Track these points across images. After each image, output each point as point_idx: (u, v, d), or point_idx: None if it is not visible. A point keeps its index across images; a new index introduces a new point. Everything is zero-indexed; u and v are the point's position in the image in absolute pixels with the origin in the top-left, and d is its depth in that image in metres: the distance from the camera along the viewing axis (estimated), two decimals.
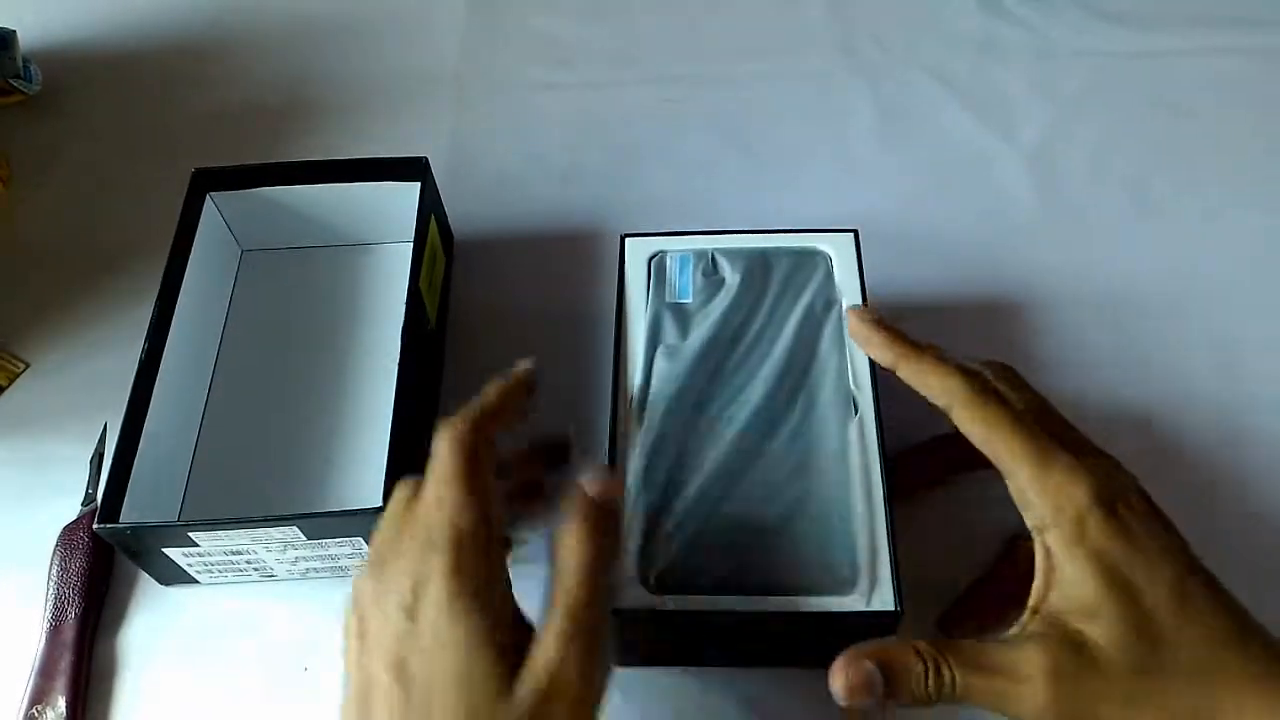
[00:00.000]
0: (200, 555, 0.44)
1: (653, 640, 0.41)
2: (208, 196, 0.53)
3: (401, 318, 0.46)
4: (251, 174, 0.53)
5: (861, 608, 0.37)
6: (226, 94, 0.66)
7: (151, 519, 0.44)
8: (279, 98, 0.66)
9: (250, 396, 0.52)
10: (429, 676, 0.31)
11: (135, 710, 0.44)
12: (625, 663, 0.43)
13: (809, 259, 0.46)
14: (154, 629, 0.46)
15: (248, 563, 0.45)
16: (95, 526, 0.41)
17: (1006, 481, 0.37)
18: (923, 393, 0.39)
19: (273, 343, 0.54)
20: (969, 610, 0.43)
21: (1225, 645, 0.33)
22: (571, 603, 0.33)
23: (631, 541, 0.38)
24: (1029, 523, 0.36)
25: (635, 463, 0.40)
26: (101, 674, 0.45)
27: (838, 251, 0.46)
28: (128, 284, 0.56)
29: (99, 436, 0.51)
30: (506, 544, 0.39)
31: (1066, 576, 0.34)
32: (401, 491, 0.36)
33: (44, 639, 0.44)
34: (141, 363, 0.46)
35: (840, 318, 0.44)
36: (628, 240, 0.47)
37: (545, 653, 0.32)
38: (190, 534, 0.42)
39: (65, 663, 0.44)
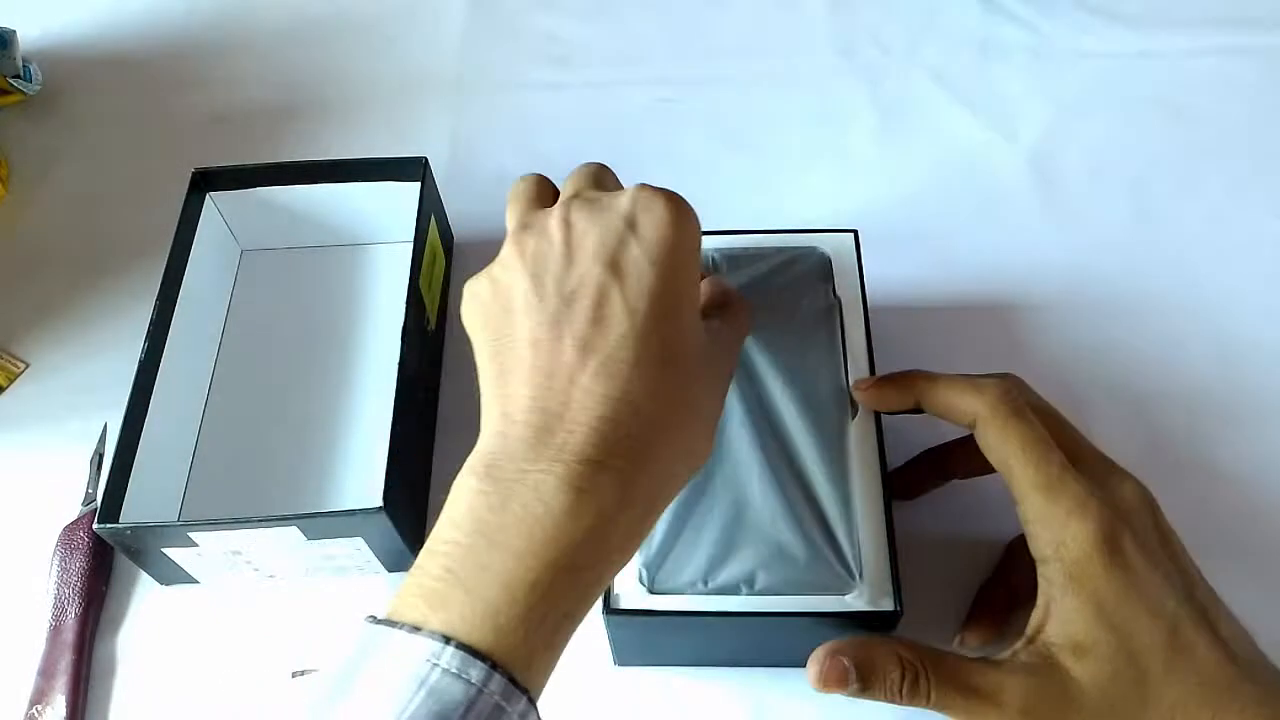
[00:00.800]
0: (200, 555, 0.44)
1: (653, 640, 0.41)
2: (207, 196, 0.53)
3: (401, 318, 0.46)
4: (251, 174, 0.53)
5: (861, 608, 0.37)
6: (226, 94, 0.66)
7: (151, 519, 0.44)
8: (279, 98, 0.66)
9: (250, 396, 0.52)
10: (641, 272, 0.32)
11: (135, 710, 0.44)
12: (625, 663, 0.43)
13: (809, 259, 0.46)
14: (154, 629, 0.46)
15: (247, 563, 0.45)
16: (95, 526, 0.41)
17: (1016, 507, 0.37)
18: (950, 419, 0.39)
19: (273, 342, 0.54)
20: (979, 618, 0.43)
21: (1214, 684, 0.33)
22: None
23: None
24: (1033, 552, 0.36)
25: None
26: (101, 674, 0.45)
27: (838, 252, 0.46)
28: (128, 284, 0.56)
29: (99, 436, 0.51)
30: None
31: (1063, 612, 0.35)
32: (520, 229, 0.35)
33: (44, 639, 0.44)
34: (141, 363, 0.46)
35: (840, 318, 0.44)
36: None
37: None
38: (190, 534, 0.42)
39: (65, 663, 0.44)
